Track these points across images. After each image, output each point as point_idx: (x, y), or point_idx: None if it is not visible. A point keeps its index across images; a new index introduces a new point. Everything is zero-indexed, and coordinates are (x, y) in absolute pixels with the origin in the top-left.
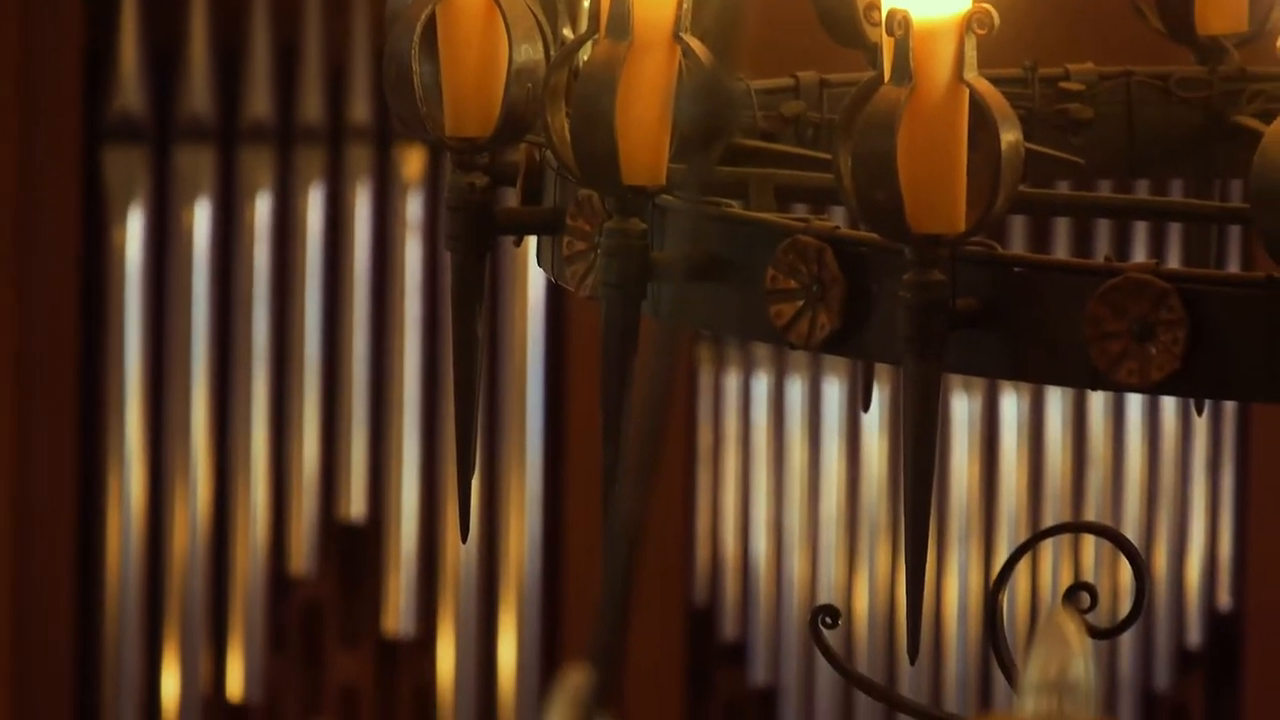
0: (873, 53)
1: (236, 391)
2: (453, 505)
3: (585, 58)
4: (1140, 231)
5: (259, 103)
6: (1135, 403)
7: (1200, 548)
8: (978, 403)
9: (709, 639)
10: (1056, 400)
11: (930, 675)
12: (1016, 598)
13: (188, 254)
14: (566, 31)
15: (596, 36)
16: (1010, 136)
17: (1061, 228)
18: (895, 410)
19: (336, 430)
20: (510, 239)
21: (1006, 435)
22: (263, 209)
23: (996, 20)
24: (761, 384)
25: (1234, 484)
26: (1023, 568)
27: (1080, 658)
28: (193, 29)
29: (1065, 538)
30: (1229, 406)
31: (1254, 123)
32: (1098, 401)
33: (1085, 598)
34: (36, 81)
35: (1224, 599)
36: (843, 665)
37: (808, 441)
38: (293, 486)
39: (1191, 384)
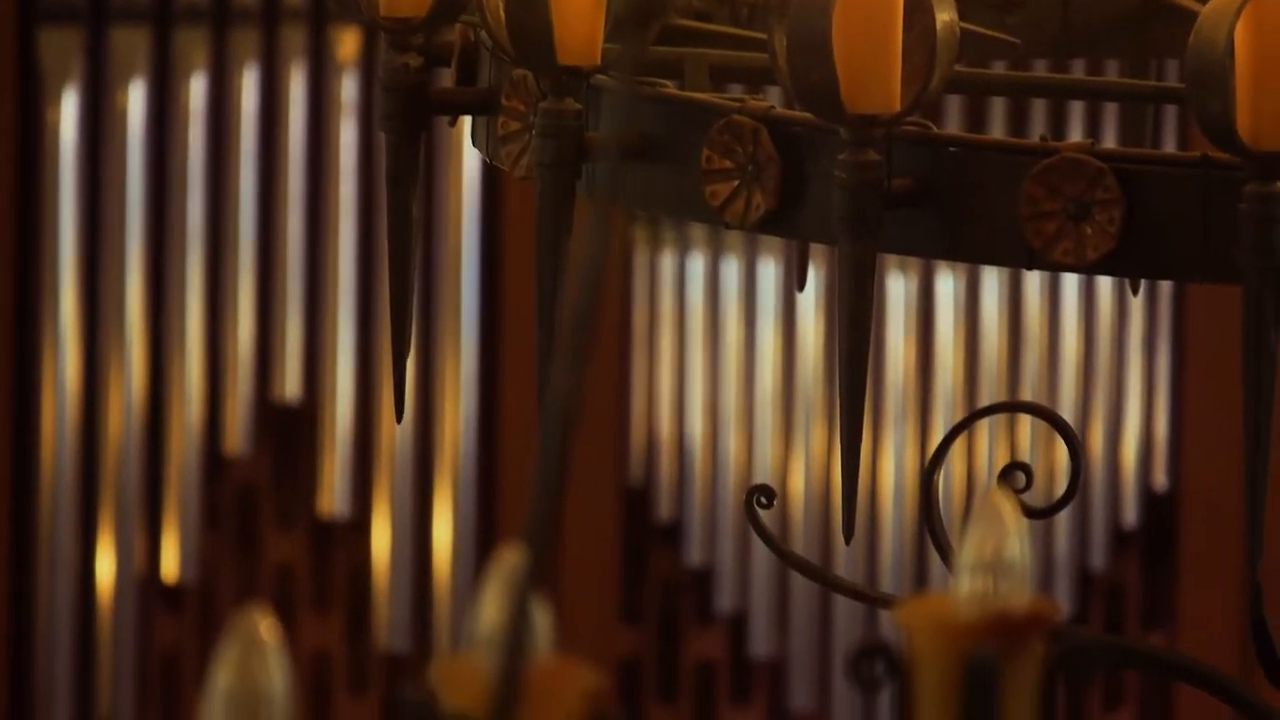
0: None
1: (171, 273)
2: (388, 386)
3: None
4: (1076, 111)
5: None
6: (1071, 283)
7: (1136, 428)
8: (913, 283)
9: (644, 520)
10: (992, 281)
11: (865, 556)
12: (952, 478)
13: (122, 135)
14: None
15: None
16: (945, 16)
17: (997, 108)
18: (831, 291)
19: (271, 311)
20: (445, 119)
21: (942, 316)
22: (197, 90)
23: None
24: (697, 264)
25: (1169, 364)
26: (958, 448)
27: (1015, 538)
28: None
29: (1001, 418)
30: (1164, 286)
31: (1189, 2)
32: (1033, 282)
33: (1021, 478)
34: None
35: (1159, 479)
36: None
37: (743, 322)
38: (228, 367)
39: (1127, 264)
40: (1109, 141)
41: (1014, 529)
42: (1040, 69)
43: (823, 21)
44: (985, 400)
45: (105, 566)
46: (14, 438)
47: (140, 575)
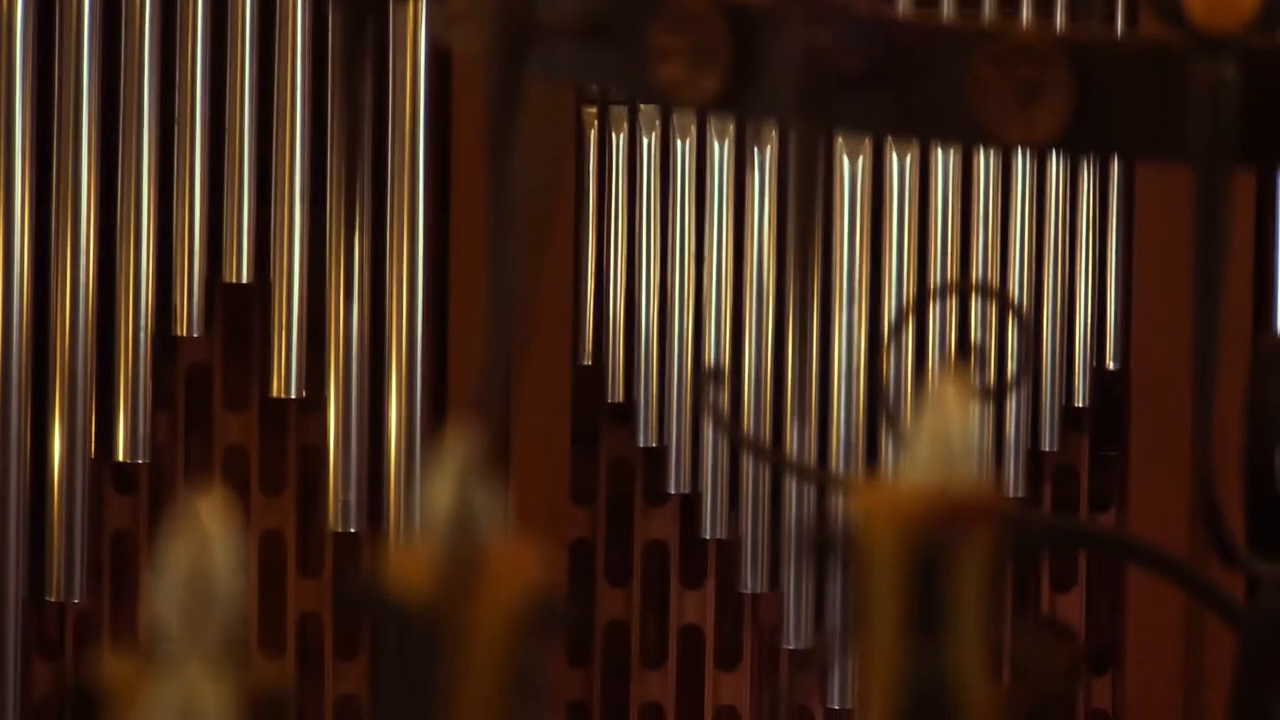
0: None
1: (123, 152)
2: (340, 268)
3: None
4: None
5: None
6: (1022, 164)
7: (1087, 308)
8: (865, 163)
9: (595, 400)
10: (943, 161)
11: (816, 436)
12: (903, 359)
13: (75, 13)
14: None
15: None
16: None
17: None
18: (783, 171)
19: (224, 192)
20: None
21: (893, 196)
22: None
23: None
24: (649, 144)
25: (1120, 244)
26: (908, 329)
27: (967, 419)
28: None
29: (952, 299)
30: (1116, 166)
31: None
32: (984, 162)
33: (972, 358)
34: None
35: (1110, 359)
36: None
37: (694, 203)
38: (179, 249)
39: (1079, 143)
40: (1060, 23)
41: (965, 410)
42: None
43: None
44: (936, 281)
45: (56, 447)
46: None
47: (91, 456)
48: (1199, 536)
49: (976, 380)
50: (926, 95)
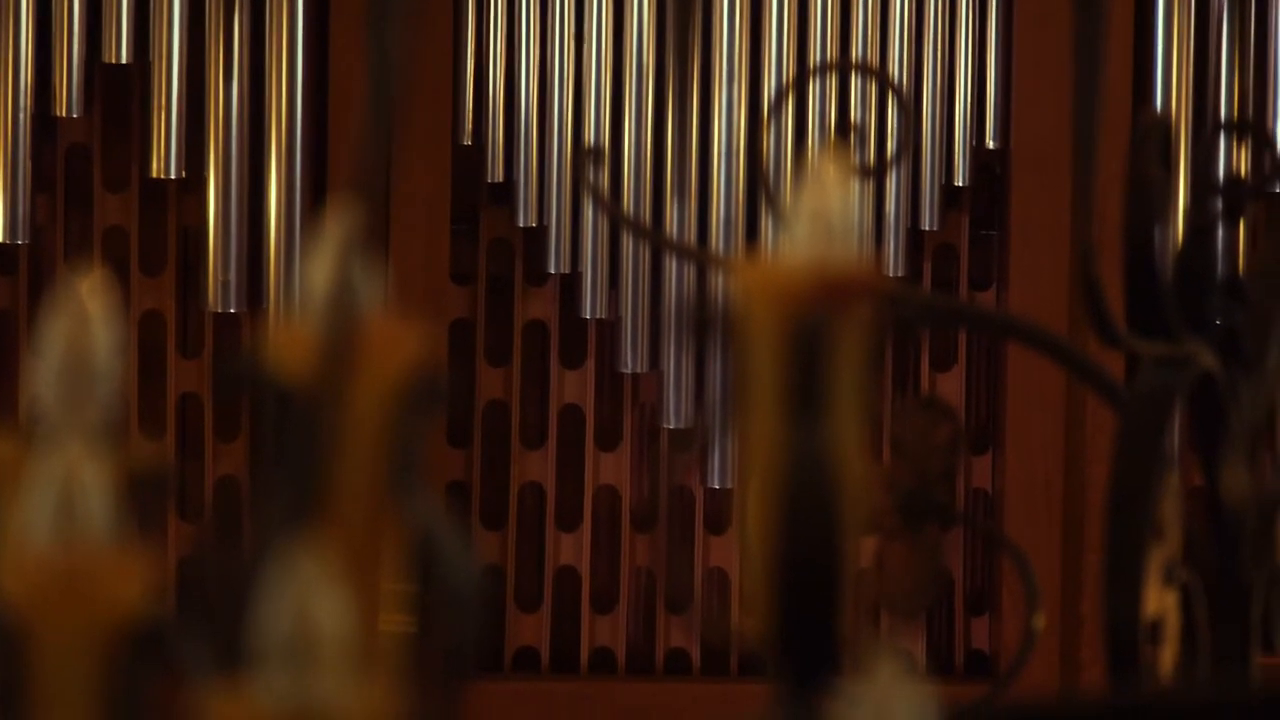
0: None
1: None
2: (219, 47)
3: None
4: None
5: None
6: None
7: (967, 86)
8: None
9: (475, 179)
10: None
11: (696, 215)
12: (783, 137)
13: None
14: None
15: None
16: None
17: None
18: None
19: None
20: None
21: None
22: None
23: None
24: None
25: (1000, 22)
26: (788, 107)
27: (846, 197)
28: None
29: (832, 78)
30: None
31: None
32: None
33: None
34: None
35: (990, 137)
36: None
37: None
38: (58, 28)
39: None
40: None
41: (845, 188)
42: None
43: None
44: (816, 59)
45: None
46: None
47: None
48: (1079, 315)
49: (856, 159)
50: None
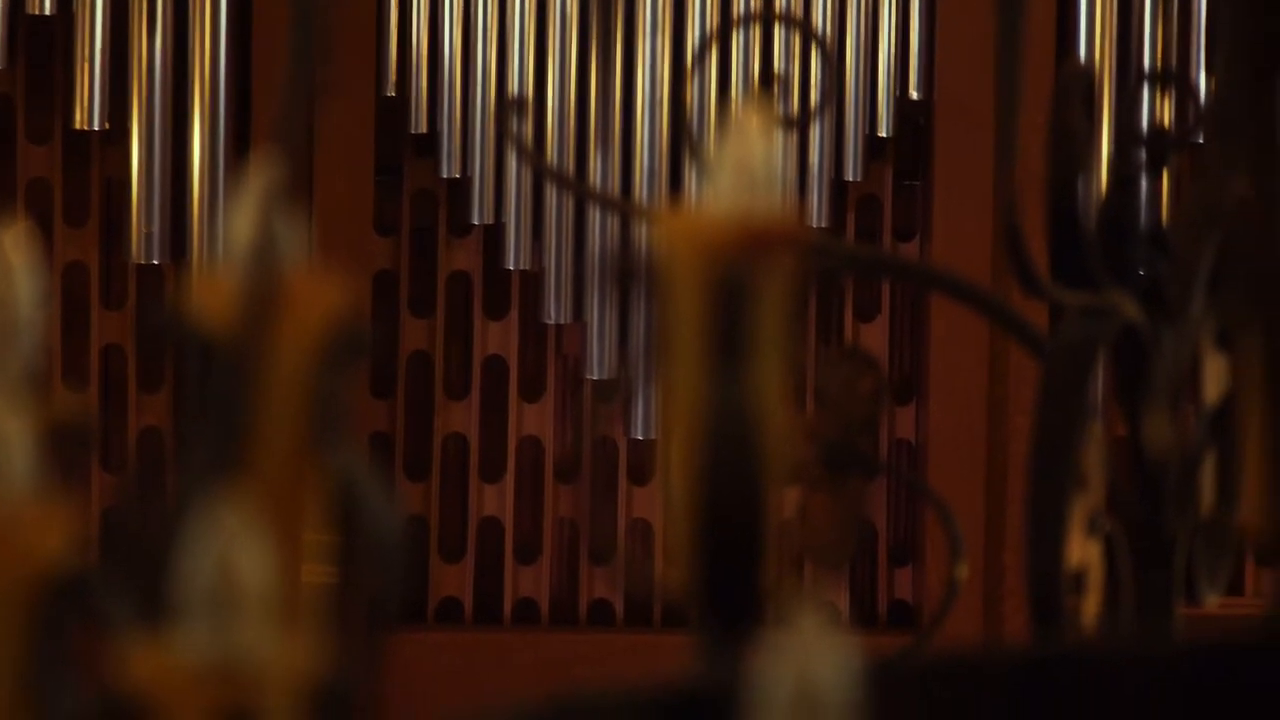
0: None
1: None
2: None
3: None
4: None
5: None
6: None
7: (891, 37)
8: None
9: (399, 131)
10: None
11: (620, 166)
12: (706, 88)
13: None
14: None
15: None
16: None
17: None
18: None
19: None
20: None
21: None
22: None
23: None
24: None
25: None
26: (712, 58)
27: (770, 148)
28: None
29: (755, 28)
30: None
31: None
32: None
33: (775, 87)
34: None
35: (914, 88)
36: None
37: None
38: None
39: None
40: None
41: (767, 139)
42: None
43: None
44: (740, 9)
45: None
46: None
47: None
48: (1002, 265)
49: (779, 109)
50: None
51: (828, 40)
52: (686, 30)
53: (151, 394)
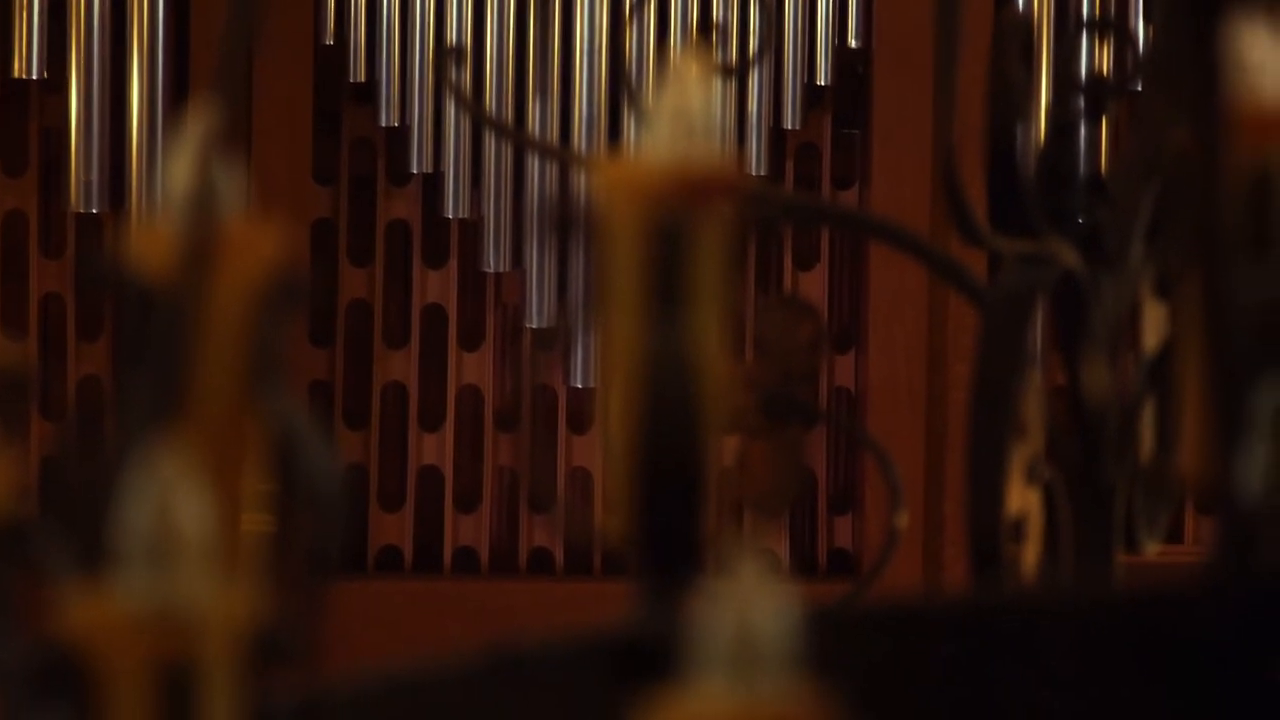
0: None
1: None
2: None
3: None
4: None
5: None
6: None
7: None
8: None
9: (337, 78)
10: None
11: (558, 114)
12: (645, 36)
13: None
14: None
15: None
16: None
17: None
18: None
19: None
20: None
21: None
22: None
23: None
24: None
25: None
26: (651, 6)
27: (708, 96)
28: None
29: None
30: None
31: None
32: None
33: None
34: None
35: (853, 36)
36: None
37: None
38: None
39: None
40: None
41: (706, 87)
42: None
43: None
44: None
45: None
46: None
47: None
48: (941, 214)
49: (718, 57)
50: None
51: None
52: None
53: (91, 342)
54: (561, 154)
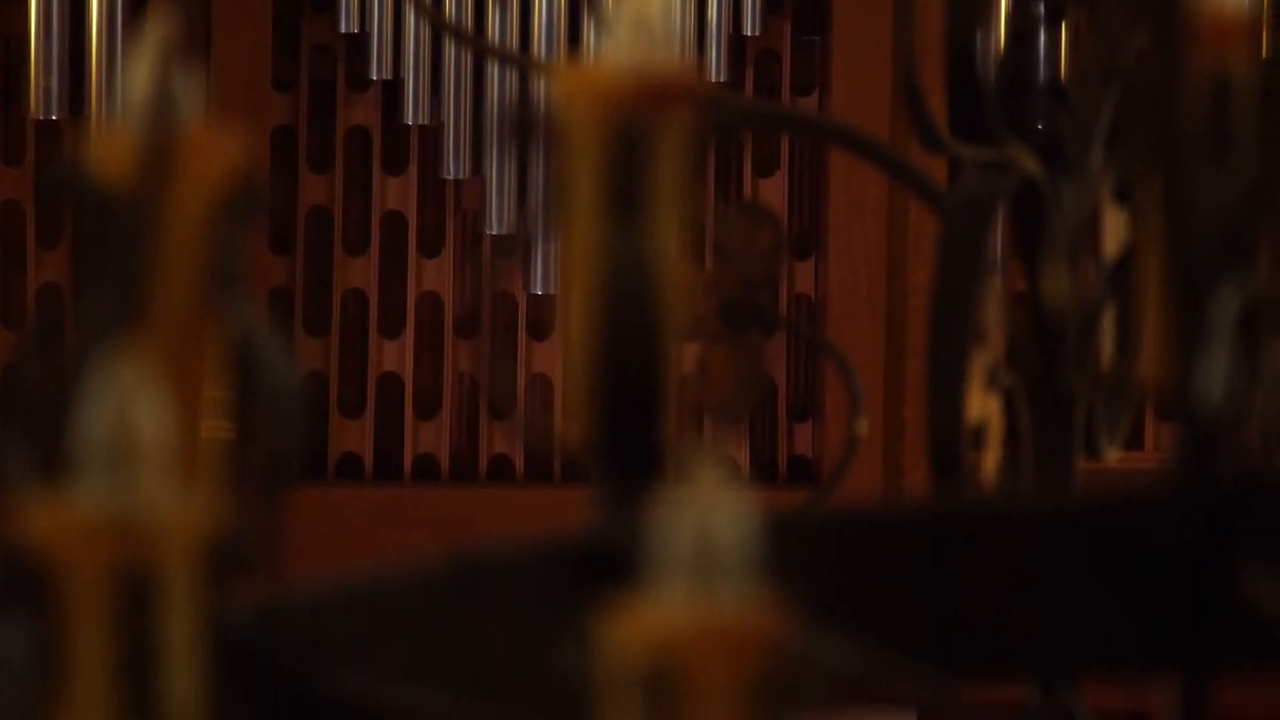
0: None
1: None
2: None
3: None
4: None
5: None
6: None
7: None
8: None
9: None
10: None
11: (518, 21)
12: None
13: None
14: None
15: None
16: None
17: None
18: None
19: None
20: None
21: None
22: None
23: None
24: None
25: None
26: None
27: (668, 2)
28: None
29: None
30: None
31: None
32: None
33: None
34: None
35: None
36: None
37: None
38: None
39: None
40: None
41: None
42: None
43: None
44: None
45: None
46: None
47: None
48: (901, 120)
49: None
50: None
51: None
52: None
53: (50, 250)
54: (521, 61)
